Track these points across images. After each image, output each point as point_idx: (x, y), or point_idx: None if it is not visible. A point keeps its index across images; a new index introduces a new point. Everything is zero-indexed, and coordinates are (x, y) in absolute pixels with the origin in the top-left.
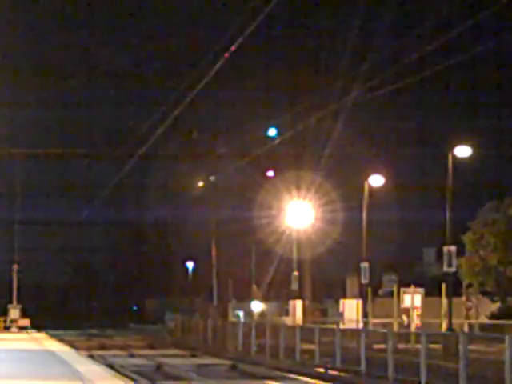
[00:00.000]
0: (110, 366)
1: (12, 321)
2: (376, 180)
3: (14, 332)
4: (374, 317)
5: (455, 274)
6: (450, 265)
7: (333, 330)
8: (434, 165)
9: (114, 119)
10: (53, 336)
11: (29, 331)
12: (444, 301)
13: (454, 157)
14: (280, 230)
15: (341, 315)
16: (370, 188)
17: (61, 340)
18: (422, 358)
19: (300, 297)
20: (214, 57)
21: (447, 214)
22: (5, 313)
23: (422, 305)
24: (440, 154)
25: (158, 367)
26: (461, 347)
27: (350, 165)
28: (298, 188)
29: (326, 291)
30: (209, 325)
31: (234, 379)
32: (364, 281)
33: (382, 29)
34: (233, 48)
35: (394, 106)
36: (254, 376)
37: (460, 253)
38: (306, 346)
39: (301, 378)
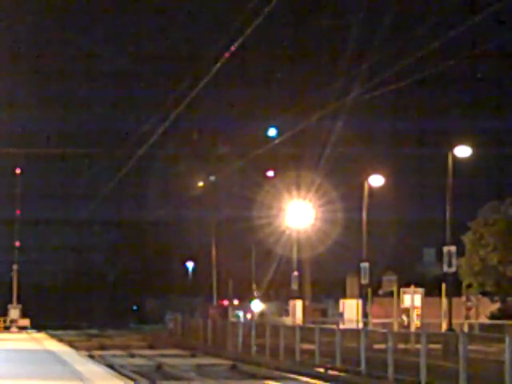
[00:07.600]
0: (110, 366)
1: (12, 321)
2: (376, 180)
3: (14, 332)
4: (374, 317)
5: (455, 273)
6: (450, 265)
7: (333, 330)
8: (434, 165)
9: (113, 119)
10: (53, 336)
11: (29, 331)
12: (444, 301)
13: (454, 157)
14: (280, 230)
15: (341, 315)
16: (370, 188)
17: (61, 340)
18: (422, 358)
19: (300, 297)
20: (214, 57)
21: (447, 214)
22: (5, 313)
23: (422, 305)
24: (440, 153)
25: (158, 367)
26: (461, 347)
27: (349, 165)
28: (298, 188)
29: (326, 291)
30: (209, 325)
31: (233, 379)
32: (364, 281)
33: (382, 29)
34: (233, 48)
35: (394, 106)
36: (253, 376)
37: (460, 253)
38: (306, 346)
39: (301, 378)
